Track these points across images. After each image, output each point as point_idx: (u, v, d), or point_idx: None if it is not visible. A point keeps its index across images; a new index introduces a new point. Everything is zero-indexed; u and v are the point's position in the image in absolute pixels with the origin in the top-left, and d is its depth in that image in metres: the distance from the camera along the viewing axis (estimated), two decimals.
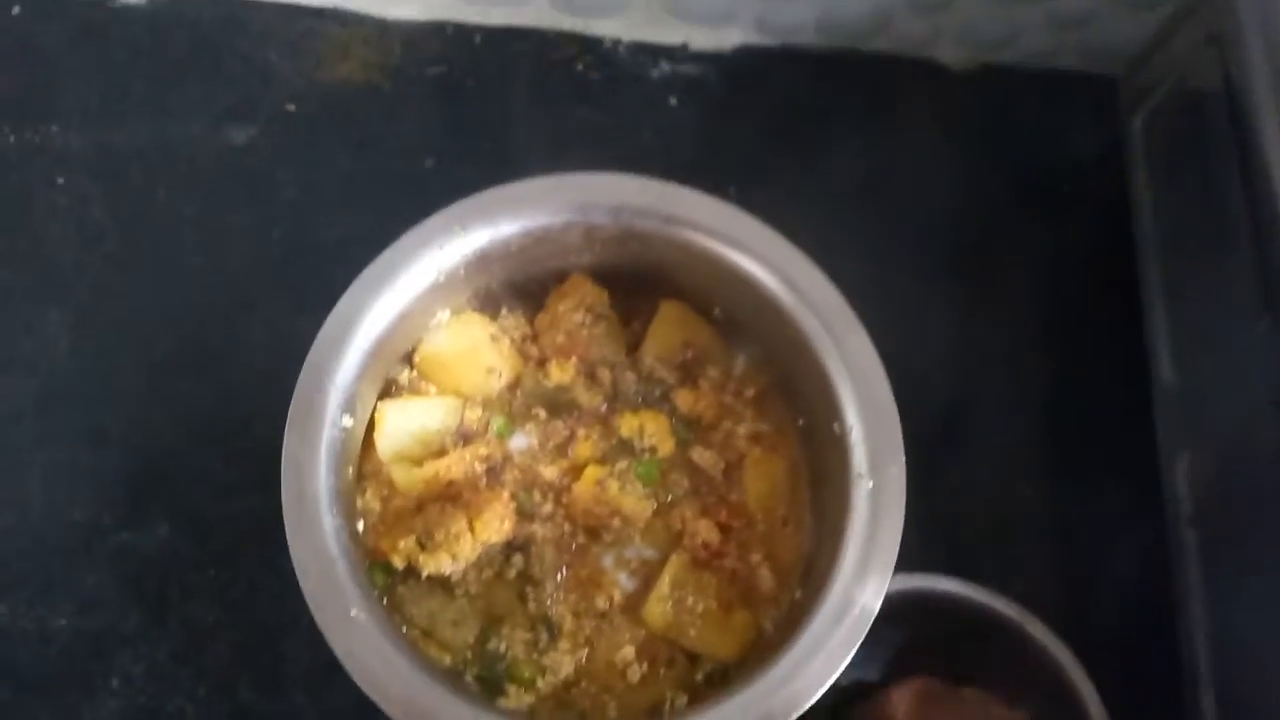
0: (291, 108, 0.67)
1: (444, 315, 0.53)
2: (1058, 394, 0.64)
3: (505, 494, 0.49)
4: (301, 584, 0.43)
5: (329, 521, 0.44)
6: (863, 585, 0.45)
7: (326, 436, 0.46)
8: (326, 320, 0.47)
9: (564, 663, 0.48)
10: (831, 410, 0.49)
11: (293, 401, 0.46)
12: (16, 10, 0.68)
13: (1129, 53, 0.69)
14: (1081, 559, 0.61)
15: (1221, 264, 0.54)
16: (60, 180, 0.64)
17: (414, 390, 0.53)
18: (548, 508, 0.51)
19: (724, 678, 0.49)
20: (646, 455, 0.52)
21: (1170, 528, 0.57)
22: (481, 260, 0.51)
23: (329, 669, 0.54)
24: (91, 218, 0.63)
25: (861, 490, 0.47)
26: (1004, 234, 0.67)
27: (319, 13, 0.69)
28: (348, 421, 0.47)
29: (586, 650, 0.49)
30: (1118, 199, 0.66)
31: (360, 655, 0.43)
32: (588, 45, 0.70)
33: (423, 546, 0.47)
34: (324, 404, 0.46)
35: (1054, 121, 0.71)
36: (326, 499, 0.45)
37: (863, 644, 0.44)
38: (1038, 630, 0.52)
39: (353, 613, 0.43)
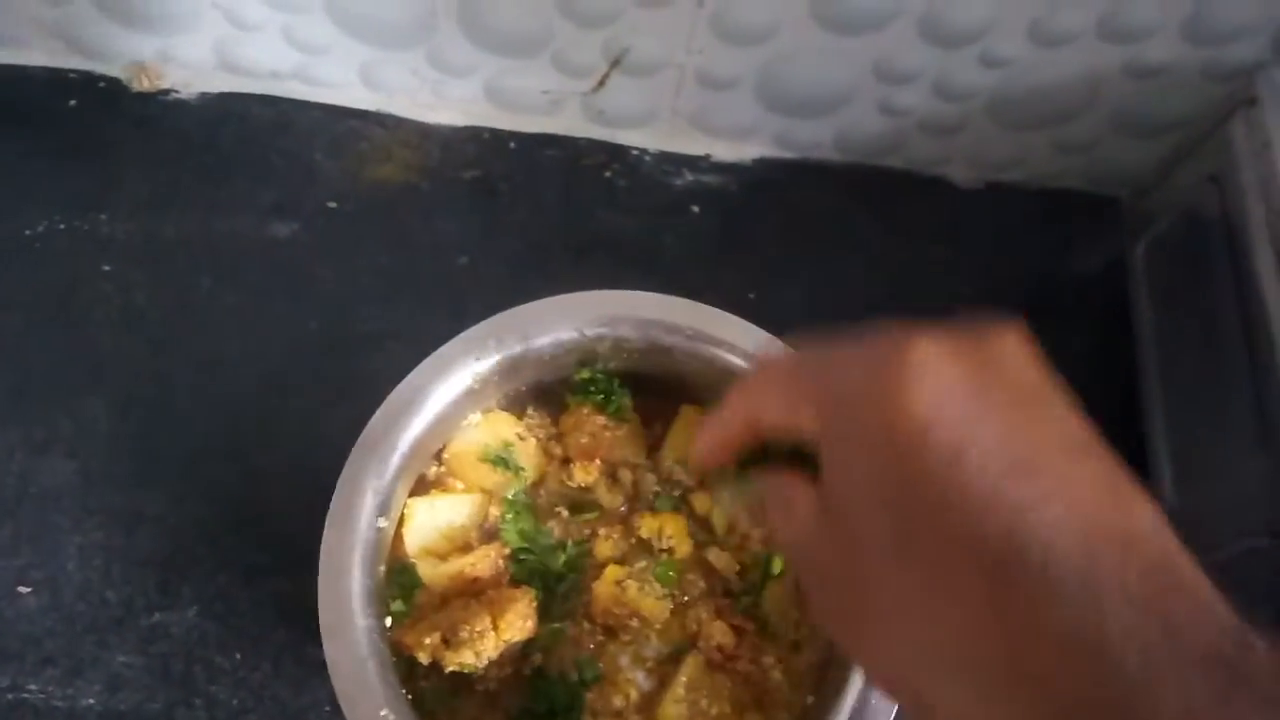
0: (333, 205, 0.70)
1: (475, 416, 0.55)
2: None
3: (529, 593, 0.51)
4: (334, 683, 0.45)
5: (362, 622, 0.46)
6: (877, 692, 0.46)
7: (363, 538, 0.48)
8: (367, 426, 0.50)
9: None
10: None
11: (332, 504, 0.48)
12: (73, 103, 0.71)
13: (1130, 177, 0.72)
14: None
15: (1221, 393, 0.56)
16: (107, 268, 0.66)
17: (441, 485, 0.55)
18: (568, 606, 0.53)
19: None
20: (664, 556, 0.54)
21: None
22: (514, 368, 0.53)
23: None
24: (135, 305, 0.66)
25: None
26: None
27: (363, 115, 0.72)
28: (383, 523, 0.49)
29: None
30: (1119, 315, 0.69)
31: None
32: (616, 154, 0.73)
33: (447, 643, 0.49)
34: (362, 506, 0.48)
35: (1057, 239, 0.74)
36: (361, 600, 0.46)
37: None
38: None
39: (382, 712, 0.45)
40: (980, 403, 0.25)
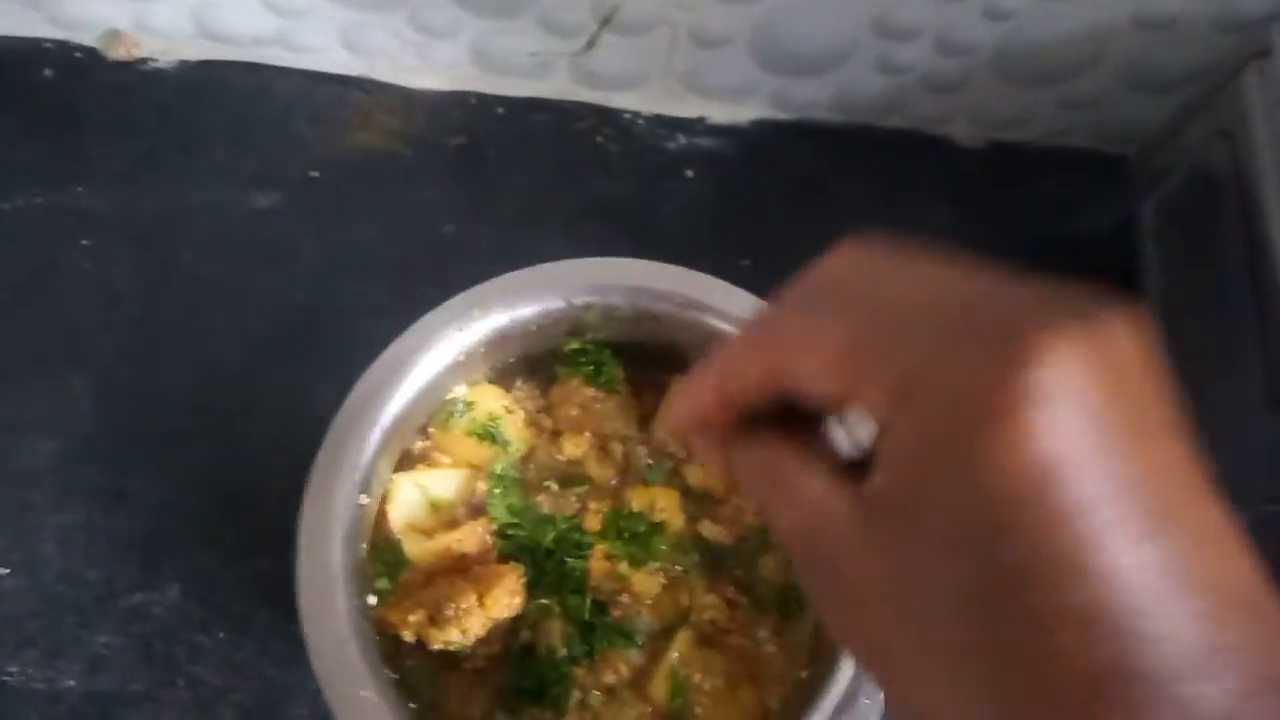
0: (315, 174, 0.68)
1: (461, 389, 0.54)
2: None
3: (517, 569, 0.50)
4: (314, 664, 0.44)
5: (342, 601, 0.45)
6: None
7: (343, 516, 0.46)
8: (345, 401, 0.48)
9: None
10: None
11: (310, 481, 0.47)
12: (48, 73, 0.69)
13: (1139, 133, 0.70)
14: None
15: (1229, 355, 0.54)
16: (86, 242, 0.65)
17: (427, 460, 0.54)
18: None
19: None
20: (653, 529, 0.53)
21: None
22: (500, 339, 0.52)
23: None
24: (115, 280, 0.64)
25: None
26: None
27: (344, 81, 0.70)
28: (364, 500, 0.48)
29: None
30: (1127, 276, 0.67)
31: None
32: (607, 118, 0.71)
33: (433, 621, 0.48)
34: (342, 483, 0.47)
35: (1064, 199, 0.72)
36: (341, 579, 0.45)
37: None
38: None
39: (363, 693, 0.43)
40: (1110, 439, 0.20)
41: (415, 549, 0.50)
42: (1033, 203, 0.72)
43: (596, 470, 0.54)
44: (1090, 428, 0.20)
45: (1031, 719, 0.20)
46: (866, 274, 0.25)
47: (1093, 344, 0.21)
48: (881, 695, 0.44)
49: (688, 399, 0.29)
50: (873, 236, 0.26)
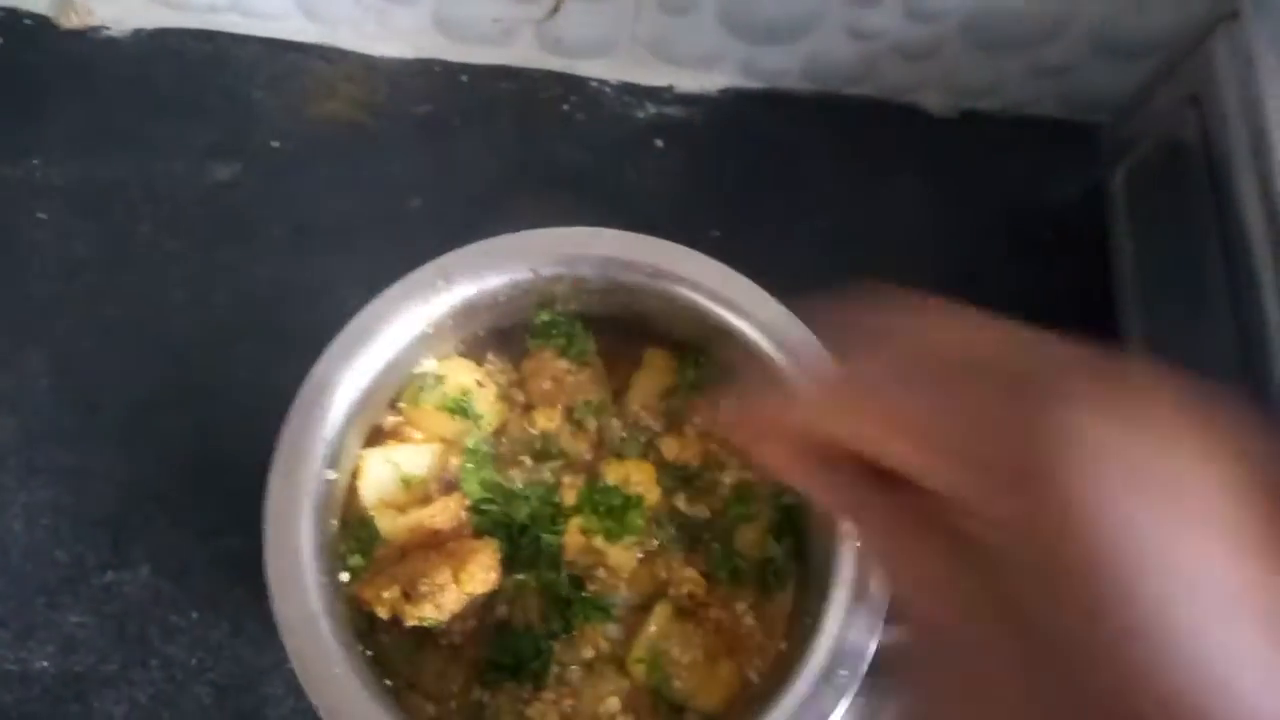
0: (276, 144, 0.66)
1: (431, 363, 0.53)
2: None
3: (491, 544, 0.49)
4: (285, 642, 0.43)
5: (312, 578, 0.44)
6: (851, 638, 0.45)
7: (310, 491, 0.46)
8: (309, 375, 0.47)
9: (549, 713, 0.48)
10: None
11: (275, 456, 0.46)
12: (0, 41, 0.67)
13: (1109, 101, 0.70)
14: None
15: (1201, 321, 0.55)
16: (41, 215, 0.63)
17: (399, 436, 0.53)
18: None
19: None
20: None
21: None
22: (468, 311, 0.51)
23: (311, 713, 0.54)
24: (73, 253, 0.63)
25: (849, 544, 0.47)
26: (985, 280, 0.67)
27: (305, 49, 0.69)
28: (331, 475, 0.47)
29: (571, 701, 0.49)
30: (1098, 245, 0.67)
31: (343, 712, 0.43)
32: (574, 86, 0.70)
33: (407, 597, 0.47)
34: (308, 459, 0.46)
35: (1035, 168, 0.72)
36: (310, 555, 0.45)
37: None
38: None
39: (335, 670, 0.43)
40: (1170, 521, 0.21)
41: (388, 525, 0.50)
42: (1004, 172, 0.71)
43: (570, 444, 0.54)
44: (1148, 517, 0.21)
45: None
46: (928, 350, 0.26)
47: (1139, 433, 0.22)
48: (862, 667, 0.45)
49: (756, 422, 0.30)
50: (902, 293, 0.27)
